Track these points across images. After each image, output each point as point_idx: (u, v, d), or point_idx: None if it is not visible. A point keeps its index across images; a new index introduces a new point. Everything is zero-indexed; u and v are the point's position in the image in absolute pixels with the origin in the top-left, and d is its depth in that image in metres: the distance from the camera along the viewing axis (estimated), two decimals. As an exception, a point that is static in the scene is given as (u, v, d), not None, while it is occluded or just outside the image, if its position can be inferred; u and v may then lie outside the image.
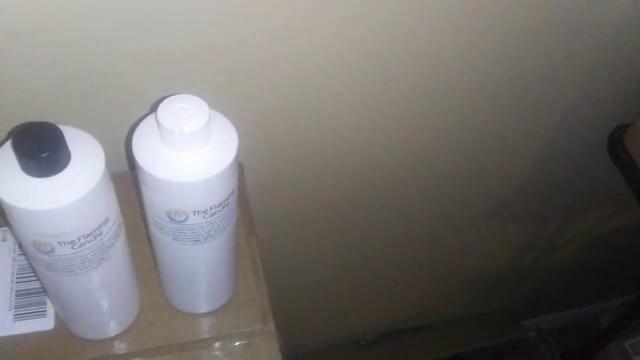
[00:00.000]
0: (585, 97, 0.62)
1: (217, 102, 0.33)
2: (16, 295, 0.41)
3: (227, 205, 0.33)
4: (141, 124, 0.32)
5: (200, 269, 0.38)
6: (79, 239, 0.30)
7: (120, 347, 0.39)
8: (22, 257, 0.43)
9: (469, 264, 0.93)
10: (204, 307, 0.41)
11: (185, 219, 0.32)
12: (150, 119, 0.32)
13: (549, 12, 0.50)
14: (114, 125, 0.45)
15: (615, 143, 0.66)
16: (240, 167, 0.49)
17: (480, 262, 0.94)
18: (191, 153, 0.30)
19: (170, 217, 0.32)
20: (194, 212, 0.32)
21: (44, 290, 0.40)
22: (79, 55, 0.40)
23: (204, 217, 0.32)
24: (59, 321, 0.40)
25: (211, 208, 0.32)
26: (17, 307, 0.41)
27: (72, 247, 0.30)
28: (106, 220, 0.31)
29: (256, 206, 0.50)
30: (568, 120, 0.65)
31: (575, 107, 0.63)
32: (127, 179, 0.43)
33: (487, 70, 0.55)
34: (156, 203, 0.32)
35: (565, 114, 0.64)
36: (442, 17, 0.47)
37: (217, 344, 0.39)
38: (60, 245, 0.30)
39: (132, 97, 0.44)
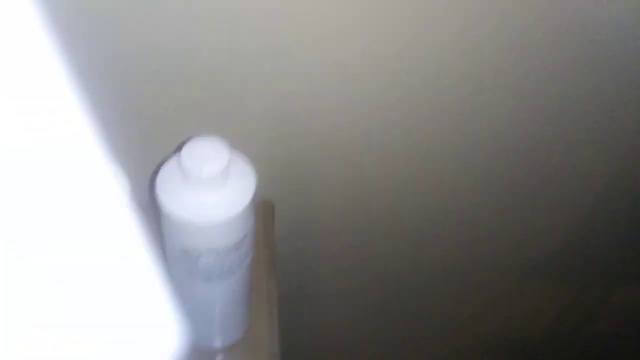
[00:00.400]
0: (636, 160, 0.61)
1: (248, 143, 0.34)
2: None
3: (239, 248, 0.34)
4: (167, 163, 0.33)
5: (210, 306, 0.38)
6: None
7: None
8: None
9: (500, 328, 0.90)
10: (211, 343, 0.42)
11: (198, 258, 0.33)
12: (175, 159, 0.33)
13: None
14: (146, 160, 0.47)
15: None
16: (270, 209, 0.50)
17: (515, 326, 0.91)
18: (209, 194, 0.31)
19: (184, 254, 0.33)
20: (208, 251, 0.32)
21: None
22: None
23: (216, 257, 0.33)
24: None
25: (224, 249, 0.33)
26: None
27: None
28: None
29: (286, 248, 0.50)
30: (617, 182, 0.63)
31: (626, 170, 0.62)
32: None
33: (539, 132, 0.54)
34: (172, 239, 0.33)
35: (616, 175, 0.62)
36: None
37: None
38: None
39: (160, 135, 0.46)
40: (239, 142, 0.34)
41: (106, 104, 0.41)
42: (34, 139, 0.13)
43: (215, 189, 0.31)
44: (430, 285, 0.75)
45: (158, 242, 0.36)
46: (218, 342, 0.42)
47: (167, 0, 0.38)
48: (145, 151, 0.46)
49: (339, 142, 0.52)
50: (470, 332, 0.90)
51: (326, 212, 0.61)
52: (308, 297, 0.73)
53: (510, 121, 0.53)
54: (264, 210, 0.50)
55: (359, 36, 0.43)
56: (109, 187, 0.14)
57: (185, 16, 0.39)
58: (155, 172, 0.36)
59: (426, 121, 0.52)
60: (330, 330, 0.81)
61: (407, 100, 0.49)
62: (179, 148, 0.33)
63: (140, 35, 0.39)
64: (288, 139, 0.50)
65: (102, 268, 0.15)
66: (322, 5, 0.40)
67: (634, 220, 0.69)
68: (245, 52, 0.41)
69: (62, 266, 0.14)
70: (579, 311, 0.90)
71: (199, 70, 0.42)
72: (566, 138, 0.56)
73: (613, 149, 0.59)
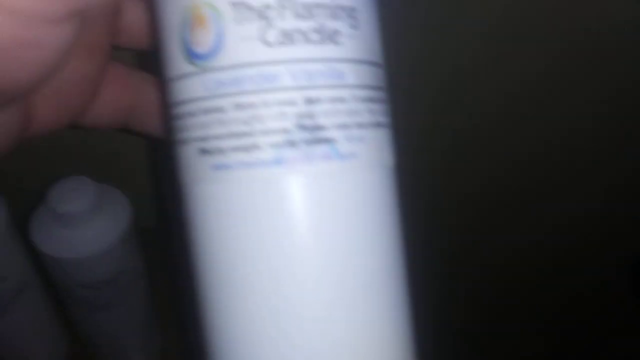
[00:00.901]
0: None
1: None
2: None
3: (117, 282, 0.34)
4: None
5: (107, 335, 0.38)
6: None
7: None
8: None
9: None
10: None
11: (74, 291, 0.33)
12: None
13: None
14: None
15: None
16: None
17: None
18: (77, 231, 0.31)
19: (63, 286, 0.34)
20: (80, 285, 0.33)
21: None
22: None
23: (90, 290, 0.33)
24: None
25: (97, 283, 0.33)
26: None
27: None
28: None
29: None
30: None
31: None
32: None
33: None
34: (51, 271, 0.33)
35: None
36: None
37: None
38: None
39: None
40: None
41: None
42: None
43: (77, 226, 0.31)
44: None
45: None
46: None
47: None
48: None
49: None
50: None
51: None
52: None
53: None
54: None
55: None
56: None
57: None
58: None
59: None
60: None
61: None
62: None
63: None
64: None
65: None
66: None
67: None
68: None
69: None
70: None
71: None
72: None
73: None
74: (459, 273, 0.66)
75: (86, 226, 0.32)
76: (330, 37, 0.14)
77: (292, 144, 0.14)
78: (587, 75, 0.47)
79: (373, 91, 0.15)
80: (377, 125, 0.15)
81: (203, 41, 0.14)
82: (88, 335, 0.39)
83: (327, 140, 0.14)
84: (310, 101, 0.14)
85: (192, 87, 0.14)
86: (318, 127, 0.14)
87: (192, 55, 0.14)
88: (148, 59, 0.19)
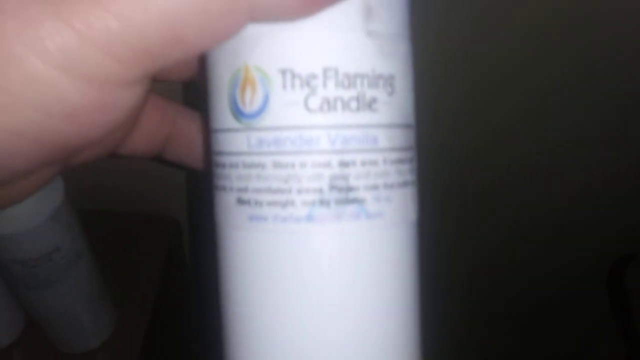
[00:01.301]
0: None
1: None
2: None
3: (52, 260, 0.34)
4: None
5: (52, 313, 0.39)
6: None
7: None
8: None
9: None
10: (69, 348, 0.42)
11: (7, 267, 0.34)
12: None
13: None
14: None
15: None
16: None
17: None
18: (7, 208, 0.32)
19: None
20: (12, 261, 0.34)
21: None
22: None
23: (23, 268, 0.34)
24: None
25: (30, 260, 0.34)
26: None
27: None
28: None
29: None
30: None
31: None
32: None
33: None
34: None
35: None
36: None
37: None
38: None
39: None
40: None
41: None
42: None
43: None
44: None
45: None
46: (76, 347, 0.42)
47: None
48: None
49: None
50: None
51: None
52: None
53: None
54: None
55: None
56: None
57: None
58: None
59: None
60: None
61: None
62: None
63: None
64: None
65: None
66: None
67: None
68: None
69: None
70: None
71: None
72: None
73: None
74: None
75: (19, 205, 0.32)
76: (368, 105, 0.15)
77: (324, 203, 0.15)
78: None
79: (403, 152, 0.16)
80: (404, 184, 0.16)
81: (250, 102, 0.15)
82: (34, 313, 0.40)
83: (356, 201, 0.15)
84: (344, 164, 0.15)
85: (236, 141, 0.15)
86: (349, 188, 0.15)
87: (238, 113, 0.15)
88: (187, 90, 0.20)
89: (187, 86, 0.16)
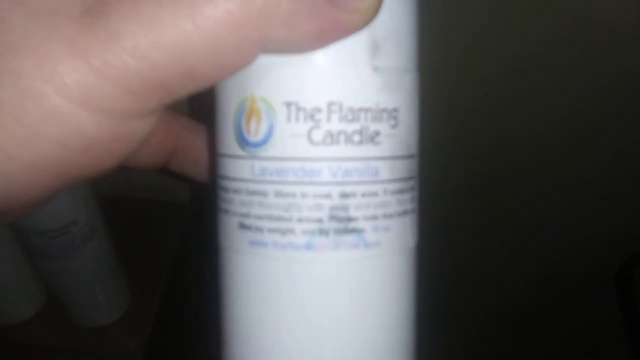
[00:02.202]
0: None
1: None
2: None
3: (69, 232, 0.35)
4: None
5: (67, 285, 0.40)
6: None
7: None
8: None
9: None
10: (85, 322, 0.43)
11: (28, 237, 0.35)
12: None
13: None
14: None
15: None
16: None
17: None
18: None
19: (17, 232, 0.36)
20: (32, 231, 0.35)
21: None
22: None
23: (42, 238, 0.35)
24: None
25: (48, 232, 0.35)
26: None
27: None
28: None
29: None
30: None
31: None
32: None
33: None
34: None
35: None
36: None
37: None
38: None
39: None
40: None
41: None
42: None
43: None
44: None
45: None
46: (91, 322, 0.43)
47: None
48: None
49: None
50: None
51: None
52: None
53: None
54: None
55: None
56: None
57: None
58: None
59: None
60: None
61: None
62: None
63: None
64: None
65: None
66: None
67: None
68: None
69: None
70: None
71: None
72: None
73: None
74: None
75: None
76: (371, 138, 0.16)
77: (323, 232, 0.15)
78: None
79: (404, 182, 0.17)
80: (404, 213, 0.17)
81: (255, 131, 0.15)
82: (52, 286, 0.41)
83: (356, 231, 0.16)
84: (345, 195, 0.15)
85: (239, 168, 0.16)
86: (349, 219, 0.16)
87: (243, 142, 0.16)
88: (191, 102, 0.20)
89: (192, 99, 0.16)
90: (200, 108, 0.19)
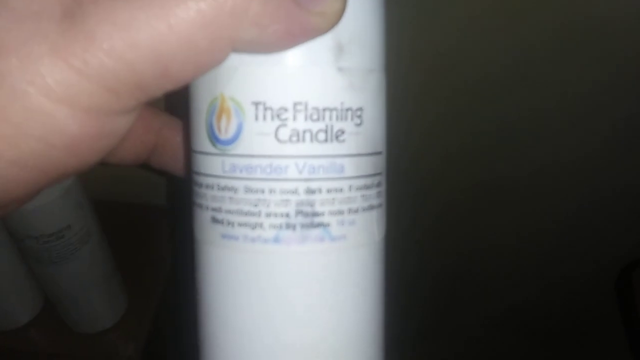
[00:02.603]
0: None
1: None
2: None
3: (64, 237, 0.36)
4: None
5: (64, 291, 0.41)
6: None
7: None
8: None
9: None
10: (81, 328, 0.44)
11: (22, 241, 0.36)
12: None
13: None
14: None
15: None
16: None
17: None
18: None
19: (11, 236, 0.36)
20: (26, 236, 0.35)
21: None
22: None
23: (37, 243, 0.35)
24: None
25: (42, 236, 0.35)
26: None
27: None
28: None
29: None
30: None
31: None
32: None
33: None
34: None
35: None
36: None
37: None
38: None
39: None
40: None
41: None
42: None
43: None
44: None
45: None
46: (88, 327, 0.44)
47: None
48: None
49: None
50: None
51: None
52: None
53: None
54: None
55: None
56: None
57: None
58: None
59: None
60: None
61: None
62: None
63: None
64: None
65: None
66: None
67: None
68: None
69: None
70: None
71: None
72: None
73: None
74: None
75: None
76: (336, 136, 0.16)
77: (290, 226, 0.16)
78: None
79: (370, 178, 0.17)
80: (370, 208, 0.17)
81: (225, 129, 0.16)
82: (48, 291, 0.42)
83: (321, 225, 0.16)
84: (310, 191, 0.16)
85: (211, 164, 0.17)
86: (315, 214, 0.16)
87: (214, 139, 0.16)
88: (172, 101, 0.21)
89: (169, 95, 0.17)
90: (177, 104, 0.20)
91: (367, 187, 0.17)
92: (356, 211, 0.17)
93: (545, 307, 0.72)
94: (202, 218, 0.17)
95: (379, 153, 0.18)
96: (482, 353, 0.81)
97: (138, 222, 0.51)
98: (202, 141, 0.17)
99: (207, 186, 0.17)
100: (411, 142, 0.47)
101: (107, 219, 0.42)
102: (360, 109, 0.17)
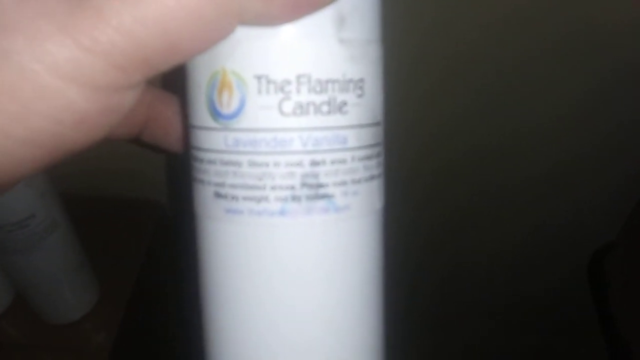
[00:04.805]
0: None
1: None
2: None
3: (28, 226, 0.36)
4: None
5: (32, 281, 0.40)
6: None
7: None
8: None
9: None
10: (51, 318, 0.43)
11: None
12: None
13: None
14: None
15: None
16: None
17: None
18: None
19: None
20: None
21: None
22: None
23: (1, 232, 0.35)
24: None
25: (6, 225, 0.35)
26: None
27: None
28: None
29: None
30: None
31: None
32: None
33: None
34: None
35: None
36: None
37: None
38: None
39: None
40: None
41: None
42: None
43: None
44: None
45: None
46: (58, 318, 0.43)
47: None
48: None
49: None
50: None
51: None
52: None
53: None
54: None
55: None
56: None
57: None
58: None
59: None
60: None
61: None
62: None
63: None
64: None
65: None
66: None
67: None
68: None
69: None
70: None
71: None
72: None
73: None
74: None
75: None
76: (339, 108, 0.16)
77: (296, 198, 0.16)
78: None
79: (371, 149, 0.18)
80: (371, 178, 0.18)
81: (227, 104, 0.16)
82: (16, 282, 0.41)
83: (326, 196, 0.17)
84: (315, 163, 0.16)
85: (213, 140, 0.17)
86: (319, 185, 0.16)
87: (216, 114, 0.16)
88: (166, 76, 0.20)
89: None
90: (171, 80, 0.20)
91: (368, 157, 0.17)
92: (359, 181, 0.17)
93: (516, 291, 0.73)
94: (204, 193, 0.17)
95: (378, 123, 0.18)
96: (453, 338, 0.82)
97: (112, 214, 0.50)
98: (202, 116, 0.17)
99: (209, 161, 0.17)
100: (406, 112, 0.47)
101: (80, 211, 0.41)
102: (361, 80, 0.17)
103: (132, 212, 0.51)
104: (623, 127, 0.52)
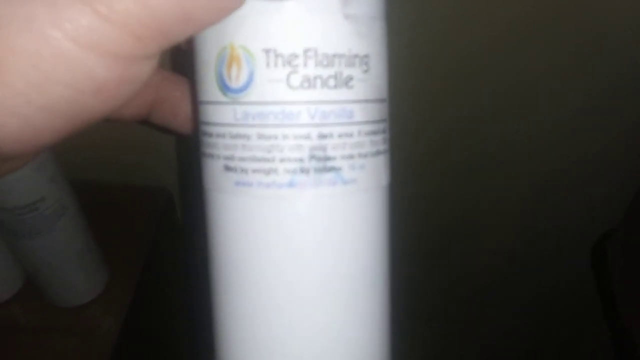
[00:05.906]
0: None
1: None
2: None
3: (38, 210, 0.36)
4: None
5: (41, 264, 0.41)
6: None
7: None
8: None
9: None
10: (61, 301, 0.44)
11: None
12: None
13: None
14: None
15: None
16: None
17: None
18: None
19: None
20: (1, 208, 0.35)
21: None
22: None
23: (10, 215, 0.35)
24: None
25: (15, 208, 0.35)
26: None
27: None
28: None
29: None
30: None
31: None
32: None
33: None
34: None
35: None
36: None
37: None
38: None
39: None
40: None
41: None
42: None
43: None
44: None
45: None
46: (67, 301, 0.44)
47: None
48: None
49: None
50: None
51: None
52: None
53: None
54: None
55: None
56: None
57: None
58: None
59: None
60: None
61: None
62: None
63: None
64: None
65: None
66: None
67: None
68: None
69: None
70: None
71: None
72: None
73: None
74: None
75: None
76: (345, 82, 0.17)
77: (304, 170, 0.17)
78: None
79: (377, 124, 0.18)
80: (377, 153, 0.18)
81: (236, 78, 0.16)
82: (26, 265, 0.42)
83: (333, 169, 0.17)
84: (322, 136, 0.17)
85: (222, 113, 0.17)
86: (327, 158, 0.17)
87: (225, 88, 0.17)
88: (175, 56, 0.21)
89: (175, 52, 0.17)
90: (184, 64, 0.20)
91: (374, 132, 0.18)
92: (365, 156, 0.17)
93: (518, 278, 0.73)
94: (214, 167, 0.18)
95: (384, 100, 0.18)
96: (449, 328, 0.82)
97: (119, 200, 0.51)
98: (211, 91, 0.17)
99: (218, 135, 0.17)
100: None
101: (89, 198, 0.42)
102: (367, 55, 0.17)
103: (140, 198, 0.52)
104: (630, 131, 0.53)
